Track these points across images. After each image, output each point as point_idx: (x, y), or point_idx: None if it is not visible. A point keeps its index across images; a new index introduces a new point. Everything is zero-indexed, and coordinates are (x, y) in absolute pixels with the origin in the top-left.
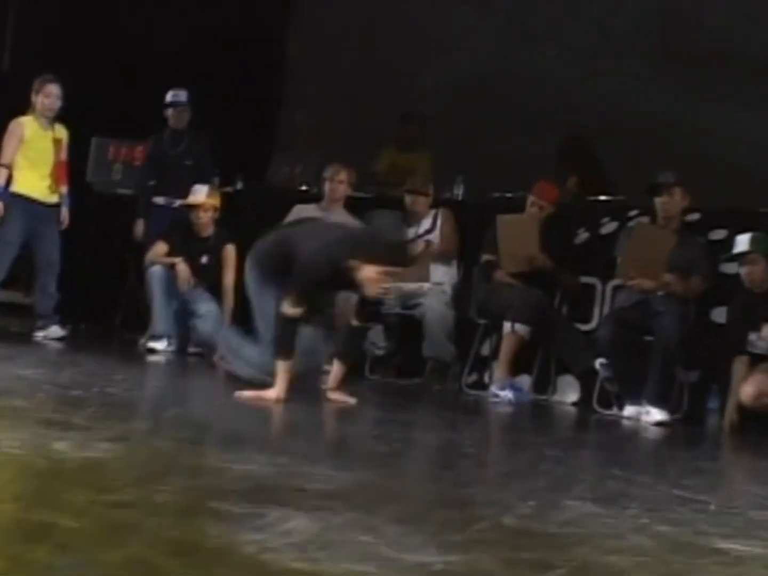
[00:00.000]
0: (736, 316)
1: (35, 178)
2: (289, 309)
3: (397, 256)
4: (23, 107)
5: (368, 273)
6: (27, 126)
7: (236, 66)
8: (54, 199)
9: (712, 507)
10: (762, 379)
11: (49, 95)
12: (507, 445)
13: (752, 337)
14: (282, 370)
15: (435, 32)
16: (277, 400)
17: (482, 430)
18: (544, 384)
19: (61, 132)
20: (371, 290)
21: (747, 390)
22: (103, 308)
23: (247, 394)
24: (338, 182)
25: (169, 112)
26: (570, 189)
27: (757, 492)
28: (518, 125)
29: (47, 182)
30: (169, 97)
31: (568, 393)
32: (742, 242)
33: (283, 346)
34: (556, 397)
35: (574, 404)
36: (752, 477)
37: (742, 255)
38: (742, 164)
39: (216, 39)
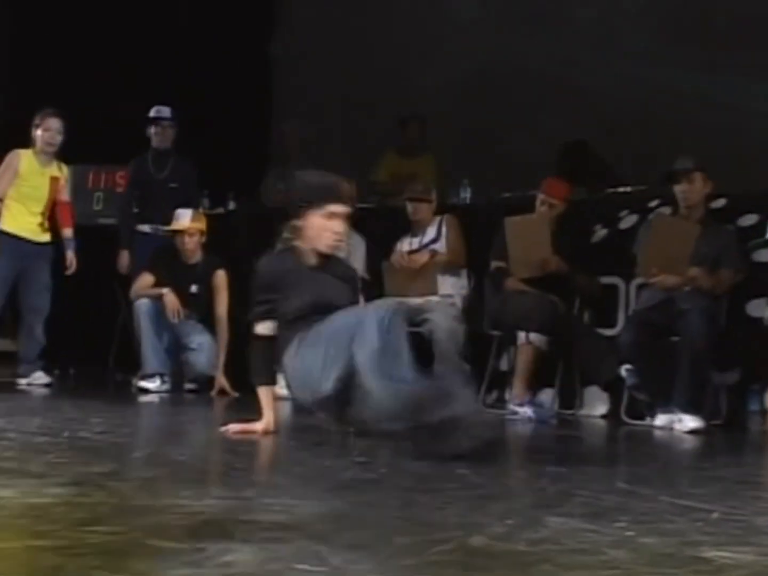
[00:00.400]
0: None
1: (24, 214)
2: (259, 326)
3: (331, 190)
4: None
5: (312, 220)
6: (23, 159)
7: (220, 79)
8: (44, 238)
9: (715, 515)
10: None
11: (48, 129)
12: (507, 465)
13: None
14: (265, 397)
15: (432, 26)
16: (265, 432)
17: (486, 451)
18: (569, 397)
19: (61, 170)
20: (323, 240)
21: None
22: (95, 349)
23: (234, 427)
24: None
25: (152, 129)
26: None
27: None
28: (527, 120)
29: (38, 220)
30: (152, 113)
31: (596, 405)
32: None
33: (258, 371)
34: (584, 411)
35: (603, 417)
36: None
37: None
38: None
39: (197, 52)
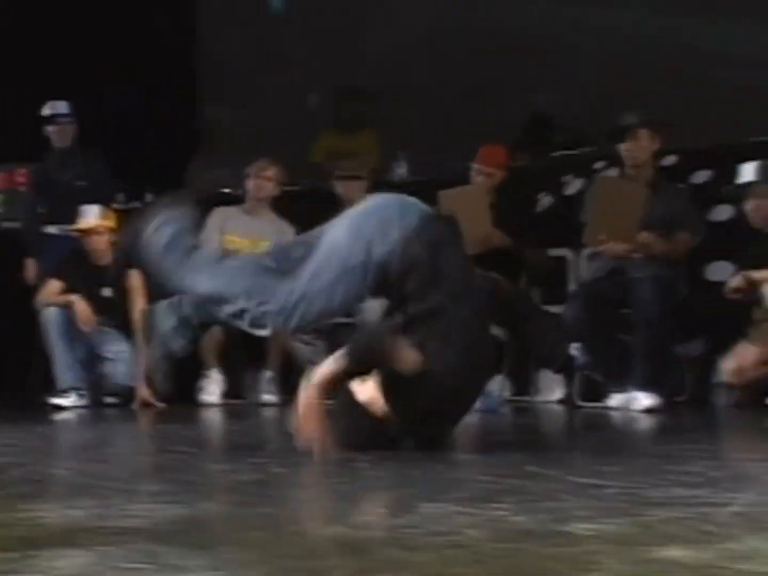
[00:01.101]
0: (746, 266)
1: None
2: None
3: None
4: None
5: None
6: None
7: (137, 61)
8: None
9: (610, 491)
10: (744, 350)
11: None
12: (418, 457)
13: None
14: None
15: None
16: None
17: (405, 446)
18: (523, 384)
19: None
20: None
21: (727, 366)
22: (11, 369)
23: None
24: (264, 179)
25: (50, 128)
26: None
27: (684, 470)
28: (484, 87)
29: None
30: (46, 110)
31: (551, 390)
32: (747, 172)
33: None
34: (540, 397)
35: (560, 402)
36: (695, 457)
37: (745, 187)
38: (723, 90)
39: (109, 30)
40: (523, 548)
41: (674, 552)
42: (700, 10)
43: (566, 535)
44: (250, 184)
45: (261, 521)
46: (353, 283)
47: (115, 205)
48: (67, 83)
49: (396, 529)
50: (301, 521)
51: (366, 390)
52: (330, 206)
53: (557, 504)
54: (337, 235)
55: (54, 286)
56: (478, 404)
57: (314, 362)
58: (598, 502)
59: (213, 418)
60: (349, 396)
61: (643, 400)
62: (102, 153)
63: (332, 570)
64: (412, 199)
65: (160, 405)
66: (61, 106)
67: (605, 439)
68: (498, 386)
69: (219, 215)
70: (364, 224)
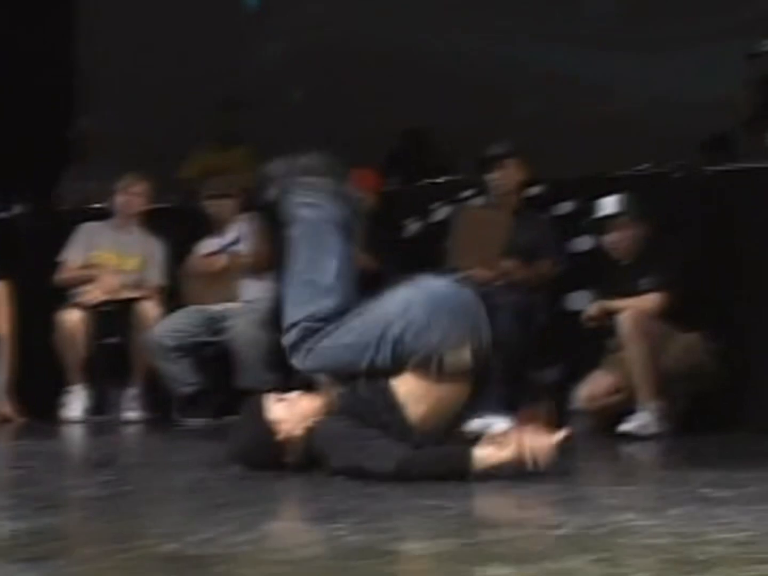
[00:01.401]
0: (604, 296)
1: None
2: None
3: None
4: None
5: None
6: None
7: (7, 66)
8: None
9: (449, 512)
10: (598, 378)
11: None
12: (270, 477)
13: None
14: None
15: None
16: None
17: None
18: None
19: None
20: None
21: (581, 393)
22: None
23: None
24: (132, 194)
25: None
26: None
27: (524, 493)
28: (362, 104)
29: None
30: None
31: None
32: (608, 204)
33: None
34: None
35: None
36: (539, 480)
37: (607, 219)
38: (590, 122)
39: None
40: (352, 566)
41: (496, 570)
42: (572, 41)
43: (396, 554)
44: (118, 199)
45: (99, 536)
46: (381, 352)
47: None
48: None
49: (233, 546)
50: (139, 537)
51: (278, 409)
52: (201, 224)
53: (395, 524)
54: (391, 302)
55: None
56: None
57: (178, 380)
58: (434, 523)
59: (73, 434)
60: (258, 410)
61: (499, 424)
62: None
63: None
64: (471, 301)
65: (20, 420)
66: None
67: None
68: None
69: (85, 231)
70: (415, 306)
